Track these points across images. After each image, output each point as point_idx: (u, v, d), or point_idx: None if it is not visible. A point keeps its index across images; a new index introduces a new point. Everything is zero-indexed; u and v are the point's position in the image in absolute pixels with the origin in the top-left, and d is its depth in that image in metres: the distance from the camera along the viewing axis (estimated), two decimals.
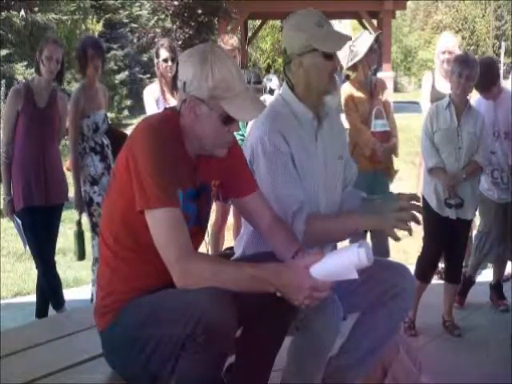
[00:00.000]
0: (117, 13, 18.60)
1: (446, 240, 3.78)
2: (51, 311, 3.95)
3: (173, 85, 4.16)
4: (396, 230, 2.02)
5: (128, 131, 2.75)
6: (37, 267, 3.95)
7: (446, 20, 39.54)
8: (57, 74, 3.79)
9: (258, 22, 24.26)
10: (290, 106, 2.31)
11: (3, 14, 11.66)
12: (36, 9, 12.24)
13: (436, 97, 4.19)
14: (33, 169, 3.78)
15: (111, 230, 1.89)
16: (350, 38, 2.35)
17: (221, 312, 1.65)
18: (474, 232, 4.40)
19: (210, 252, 3.25)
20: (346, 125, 3.91)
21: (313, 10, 2.30)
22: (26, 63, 11.52)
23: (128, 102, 16.98)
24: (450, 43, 4.37)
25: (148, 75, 18.11)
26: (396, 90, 25.07)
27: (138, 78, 18.64)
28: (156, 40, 13.79)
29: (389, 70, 17.09)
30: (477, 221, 4.28)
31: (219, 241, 4.63)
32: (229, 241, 4.86)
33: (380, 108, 4.07)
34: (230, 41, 4.39)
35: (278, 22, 27.98)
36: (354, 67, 4.10)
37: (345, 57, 4.01)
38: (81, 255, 4.16)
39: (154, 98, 4.21)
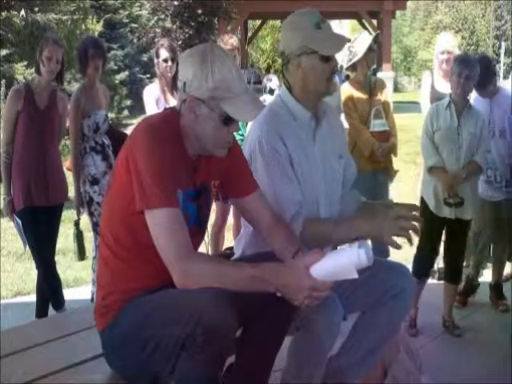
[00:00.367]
0: (117, 13, 18.61)
1: (441, 240, 3.79)
2: (51, 311, 3.95)
3: (173, 85, 4.17)
4: (395, 238, 2.01)
5: (128, 131, 2.75)
6: (37, 267, 3.95)
7: (445, 20, 39.56)
8: (57, 74, 3.79)
9: (258, 22, 24.28)
10: (288, 106, 2.30)
11: (3, 14, 11.66)
12: (36, 9, 12.24)
13: (435, 97, 4.19)
14: (33, 169, 3.78)
15: (111, 230, 1.89)
16: (348, 40, 2.34)
17: (221, 312, 1.65)
18: None
19: (210, 252, 3.25)
20: (346, 125, 3.92)
21: (312, 10, 2.27)
22: (25, 63, 11.52)
23: (128, 102, 16.99)
24: (449, 43, 4.38)
25: (148, 75, 18.12)
26: (396, 90, 25.10)
27: (138, 77, 18.64)
28: (156, 40, 13.80)
29: (389, 70, 17.11)
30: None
31: (219, 241, 4.63)
32: (229, 241, 4.86)
33: (379, 108, 4.07)
34: (229, 41, 4.39)
35: (278, 22, 28.02)
36: (353, 67, 4.11)
37: (344, 57, 4.02)
38: (81, 255, 4.17)
39: (154, 98, 4.21)
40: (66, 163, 4.20)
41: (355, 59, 4.00)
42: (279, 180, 2.19)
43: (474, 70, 3.60)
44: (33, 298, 4.22)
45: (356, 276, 1.70)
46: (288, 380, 2.16)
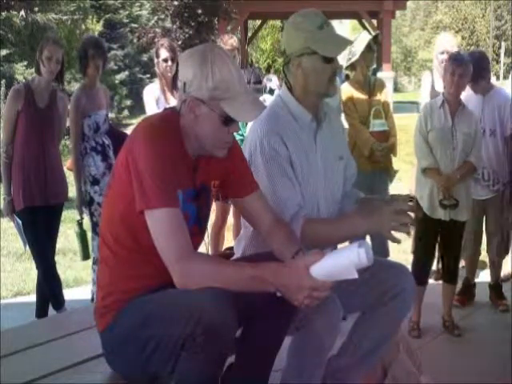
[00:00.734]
0: (117, 13, 18.61)
1: (436, 242, 3.77)
2: (51, 311, 3.95)
3: (173, 85, 4.17)
4: (394, 232, 2.01)
5: (128, 131, 2.75)
6: (37, 267, 3.95)
7: (445, 20, 39.57)
8: (57, 74, 3.79)
9: (258, 22, 24.26)
10: (289, 107, 2.30)
11: (3, 14, 11.66)
12: (36, 9, 12.25)
13: (435, 97, 4.18)
14: (33, 169, 3.78)
15: (111, 231, 1.89)
16: (350, 42, 2.34)
17: (221, 312, 1.65)
18: None
19: (210, 252, 3.25)
20: (346, 125, 3.92)
21: (316, 11, 2.27)
22: (26, 63, 11.53)
23: (128, 102, 17.00)
24: (448, 43, 4.37)
25: (148, 75, 18.13)
26: (396, 90, 25.09)
27: (138, 77, 18.65)
28: (156, 40, 13.77)
29: (389, 70, 17.09)
30: None
31: (219, 241, 4.63)
32: (229, 241, 4.86)
33: (379, 108, 4.08)
34: (229, 41, 4.39)
35: (278, 22, 28.00)
36: (352, 67, 4.11)
37: (344, 56, 4.02)
38: (85, 255, 4.16)
39: (154, 98, 4.21)
40: (67, 163, 4.20)
41: (354, 59, 4.01)
42: (279, 180, 2.18)
43: (468, 69, 3.57)
44: (33, 298, 4.23)
45: (356, 276, 1.70)
46: (288, 380, 2.16)
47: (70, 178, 4.12)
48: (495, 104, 4.02)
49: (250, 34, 22.76)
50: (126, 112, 17.02)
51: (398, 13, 22.93)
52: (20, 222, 3.80)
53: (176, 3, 15.27)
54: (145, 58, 18.74)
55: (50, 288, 3.92)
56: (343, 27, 29.19)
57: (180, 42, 14.41)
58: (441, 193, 3.60)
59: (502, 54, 25.17)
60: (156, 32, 15.93)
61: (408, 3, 21.23)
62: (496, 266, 4.29)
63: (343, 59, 4.05)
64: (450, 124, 3.63)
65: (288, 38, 2.27)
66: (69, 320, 2.67)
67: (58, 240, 4.08)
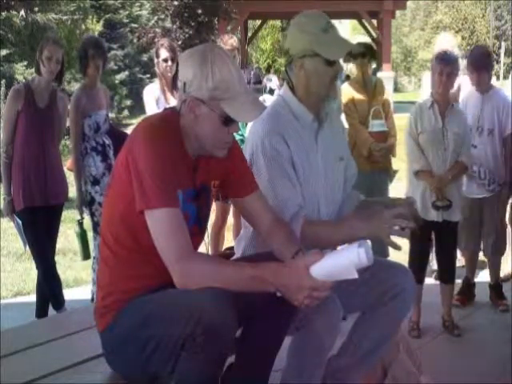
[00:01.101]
0: (117, 13, 18.60)
1: (430, 243, 3.76)
2: (51, 311, 3.95)
3: (173, 85, 4.17)
4: (394, 238, 2.01)
5: (128, 131, 2.76)
6: (37, 267, 3.95)
7: (445, 20, 39.53)
8: (57, 74, 3.79)
9: (258, 22, 24.27)
10: (290, 106, 2.30)
11: (3, 14, 11.67)
12: (36, 9, 12.25)
13: None
14: (33, 169, 3.78)
15: (111, 231, 1.89)
16: (353, 46, 2.35)
17: (221, 312, 1.65)
18: None
19: (210, 252, 3.25)
20: (346, 125, 3.92)
21: (321, 13, 2.27)
22: (26, 63, 11.53)
23: (128, 102, 16.99)
24: (448, 43, 4.38)
25: (148, 75, 18.11)
26: (396, 90, 25.09)
27: (138, 77, 18.63)
28: (156, 40, 13.78)
29: (389, 70, 17.10)
30: None
31: (219, 241, 4.63)
32: (229, 241, 4.86)
33: (378, 108, 4.08)
34: (229, 41, 4.39)
35: (278, 22, 28.02)
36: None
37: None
38: (85, 255, 4.16)
39: (154, 98, 4.21)
40: (67, 163, 4.20)
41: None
42: (280, 181, 2.18)
43: (455, 67, 3.55)
44: (33, 298, 4.23)
45: (356, 276, 1.70)
46: (288, 380, 2.16)
47: (70, 178, 4.12)
48: (494, 104, 4.02)
49: (250, 34, 22.77)
50: (126, 112, 17.01)
51: (398, 13, 22.94)
52: (20, 222, 3.80)
53: (176, 3, 15.28)
54: (145, 57, 18.73)
55: (50, 288, 3.92)
56: (343, 27, 29.18)
57: (180, 42, 14.41)
58: (433, 194, 3.59)
59: (502, 54, 25.17)
60: (156, 32, 15.94)
61: (408, 3, 21.24)
62: (494, 266, 4.29)
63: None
64: (440, 125, 3.61)
65: (292, 39, 2.27)
66: (69, 320, 2.67)
67: (58, 240, 4.08)
